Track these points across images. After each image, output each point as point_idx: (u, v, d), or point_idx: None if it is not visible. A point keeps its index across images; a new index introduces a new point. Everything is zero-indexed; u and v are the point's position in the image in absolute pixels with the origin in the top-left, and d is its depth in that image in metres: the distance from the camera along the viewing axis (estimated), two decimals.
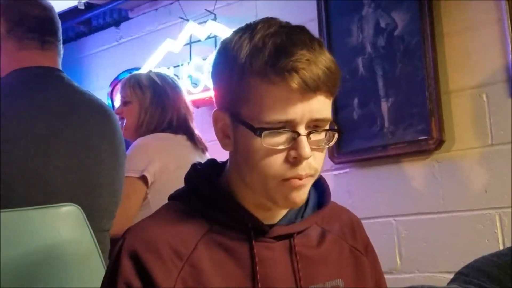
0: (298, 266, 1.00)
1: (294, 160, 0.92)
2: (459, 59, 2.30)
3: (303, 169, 0.93)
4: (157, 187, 2.03)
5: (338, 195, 2.46)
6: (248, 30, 0.96)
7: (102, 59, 3.57)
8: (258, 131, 0.91)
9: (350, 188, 2.50)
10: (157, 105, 2.18)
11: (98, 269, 1.24)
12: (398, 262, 2.37)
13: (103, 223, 1.59)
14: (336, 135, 0.98)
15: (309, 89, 0.90)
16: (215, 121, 0.99)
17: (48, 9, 1.67)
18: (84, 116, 1.62)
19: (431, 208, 2.31)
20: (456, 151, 2.28)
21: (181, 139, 2.16)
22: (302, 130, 0.92)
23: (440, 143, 2.28)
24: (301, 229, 1.03)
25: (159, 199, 1.95)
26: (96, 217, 1.51)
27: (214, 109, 1.00)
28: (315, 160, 0.95)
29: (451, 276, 1.73)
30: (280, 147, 0.92)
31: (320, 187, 1.09)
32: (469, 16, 2.30)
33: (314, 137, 0.95)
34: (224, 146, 0.99)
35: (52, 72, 1.64)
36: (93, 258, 1.24)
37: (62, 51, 1.71)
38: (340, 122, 2.48)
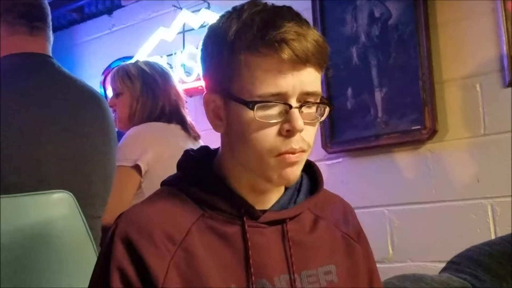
0: (291, 252, 1.00)
1: (287, 133, 0.92)
2: (453, 49, 2.31)
3: (296, 142, 0.93)
4: (151, 176, 2.02)
5: (331, 184, 2.44)
6: (235, 11, 0.97)
7: (95, 47, 3.54)
8: (250, 104, 0.91)
9: (343, 178, 2.50)
10: (148, 93, 2.17)
11: (90, 256, 1.24)
12: (391, 251, 2.38)
13: (95, 209, 1.59)
14: (328, 109, 0.98)
15: (299, 60, 0.91)
16: (206, 104, 0.99)
17: None
18: (75, 102, 1.62)
19: (424, 197, 2.32)
20: (449, 141, 2.29)
21: (174, 128, 2.15)
22: (294, 102, 0.92)
23: (433, 133, 2.28)
24: (293, 215, 1.03)
25: (153, 188, 1.93)
26: (88, 203, 1.51)
27: (205, 93, 1.00)
28: (307, 135, 0.95)
29: (443, 265, 1.74)
30: (272, 121, 0.92)
31: (312, 174, 1.09)
32: (463, 6, 2.29)
33: (306, 110, 0.95)
34: (216, 127, 0.99)
35: (43, 58, 1.65)
36: (86, 244, 1.24)
37: (52, 38, 1.71)
38: (334, 111, 2.47)
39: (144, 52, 3.10)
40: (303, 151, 0.95)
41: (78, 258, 1.23)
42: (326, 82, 2.49)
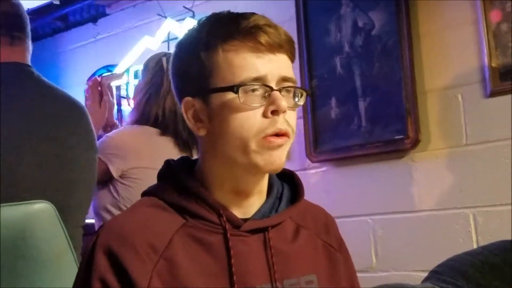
0: (273, 260, 1.00)
1: (272, 115, 0.96)
2: (435, 59, 2.33)
3: (281, 123, 0.96)
4: (130, 189, 2.00)
5: (315, 193, 2.47)
6: (198, 23, 1.03)
7: (79, 55, 3.54)
8: (235, 88, 0.94)
9: (327, 187, 2.51)
10: (146, 92, 2.10)
11: (71, 266, 1.23)
12: (374, 260, 2.39)
13: (76, 219, 1.58)
14: (305, 94, 1.03)
15: (275, 45, 0.96)
16: (186, 109, 1.01)
17: (16, 5, 1.68)
18: (55, 112, 1.62)
19: (407, 207, 2.33)
20: (432, 150, 2.30)
21: (164, 141, 2.05)
22: (274, 86, 0.97)
23: (416, 142, 2.30)
24: (275, 223, 1.03)
25: (131, 200, 1.93)
26: (69, 213, 1.51)
27: (183, 100, 1.01)
28: (290, 119, 0.98)
29: (426, 274, 1.75)
30: (256, 104, 0.95)
31: (293, 184, 1.10)
32: (445, 17, 2.32)
33: (285, 94, 0.99)
34: (198, 130, 1.01)
35: (22, 68, 1.64)
36: (66, 255, 1.23)
37: (31, 47, 1.71)
38: (317, 121, 2.49)
39: (128, 61, 3.09)
40: (287, 135, 0.98)
41: (59, 268, 1.22)
42: (310, 92, 2.50)
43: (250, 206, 1.03)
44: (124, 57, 3.09)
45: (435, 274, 1.72)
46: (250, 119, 0.95)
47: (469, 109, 2.24)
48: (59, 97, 1.67)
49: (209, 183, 1.01)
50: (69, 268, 1.23)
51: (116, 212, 1.96)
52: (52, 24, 3.65)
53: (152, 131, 2.06)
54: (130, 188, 1.98)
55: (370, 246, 2.39)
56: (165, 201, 1.00)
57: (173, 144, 2.05)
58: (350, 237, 2.36)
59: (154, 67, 2.12)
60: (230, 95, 0.95)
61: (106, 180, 2.00)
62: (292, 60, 1.01)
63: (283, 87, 0.98)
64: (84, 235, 1.69)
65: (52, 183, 1.53)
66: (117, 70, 3.13)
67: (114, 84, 3.13)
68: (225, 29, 0.97)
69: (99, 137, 1.97)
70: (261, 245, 1.01)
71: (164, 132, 2.06)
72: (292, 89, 1.00)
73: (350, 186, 2.47)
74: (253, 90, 0.95)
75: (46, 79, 1.68)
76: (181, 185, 1.01)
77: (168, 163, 1.07)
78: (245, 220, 1.01)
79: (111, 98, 2.31)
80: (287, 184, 1.08)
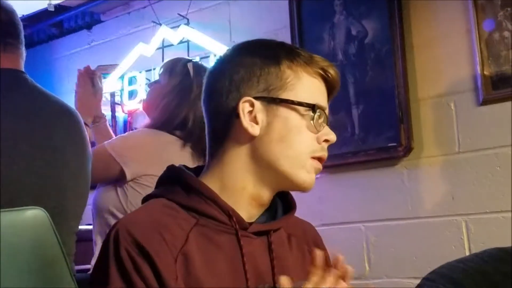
0: (274, 263, 1.05)
1: (323, 143, 1.07)
2: (428, 68, 2.34)
3: (326, 151, 1.08)
4: (140, 190, 1.96)
5: (308, 200, 2.46)
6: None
7: (74, 62, 3.53)
8: (314, 106, 1.04)
9: (321, 194, 2.51)
10: (176, 96, 2.03)
11: (63, 273, 1.23)
12: (367, 267, 2.39)
13: (69, 225, 1.58)
14: None
15: (334, 89, 1.11)
16: (242, 108, 1.04)
17: (10, 12, 1.68)
18: (48, 118, 1.62)
19: (400, 214, 2.34)
20: (424, 158, 2.32)
21: (185, 153, 1.98)
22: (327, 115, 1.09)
23: (408, 150, 2.31)
24: (276, 227, 1.08)
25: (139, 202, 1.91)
26: (62, 219, 1.50)
27: (244, 99, 1.04)
28: None
29: (418, 281, 1.75)
30: (316, 128, 1.05)
31: (284, 197, 1.13)
32: (438, 26, 2.34)
33: None
34: (251, 128, 1.04)
35: (16, 74, 1.64)
36: (59, 261, 1.23)
37: (25, 54, 1.71)
38: None
39: (123, 68, 3.10)
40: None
41: (51, 275, 1.22)
42: None
43: (253, 212, 1.07)
44: (119, 64, 3.10)
45: (427, 281, 1.72)
46: (307, 139, 1.05)
47: (461, 117, 2.25)
48: (52, 103, 1.67)
49: (226, 184, 1.05)
50: (62, 275, 1.23)
51: (120, 215, 1.90)
52: (47, 31, 3.66)
53: (169, 139, 2.00)
54: (140, 195, 1.92)
55: (363, 253, 2.40)
56: (175, 202, 1.02)
57: (190, 154, 1.99)
58: (343, 244, 2.39)
59: (182, 71, 2.06)
60: (301, 112, 1.04)
61: (114, 181, 1.97)
62: None
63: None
64: (77, 241, 1.69)
65: (45, 189, 1.53)
66: (111, 77, 3.13)
67: (109, 86, 3.15)
68: (304, 59, 1.07)
69: (92, 144, 1.95)
70: (264, 247, 1.05)
71: (186, 138, 2.00)
72: None
73: (343, 193, 2.47)
74: (319, 117, 1.06)
75: (40, 86, 1.68)
76: (189, 187, 1.03)
77: (170, 168, 1.09)
78: (249, 223, 1.05)
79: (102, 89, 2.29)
80: (277, 197, 1.13)
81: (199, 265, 0.96)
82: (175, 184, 1.05)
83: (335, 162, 2.46)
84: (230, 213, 1.02)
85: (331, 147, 2.48)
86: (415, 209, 2.31)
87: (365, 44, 2.43)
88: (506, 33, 2.16)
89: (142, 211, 1.03)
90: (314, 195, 2.51)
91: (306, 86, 1.06)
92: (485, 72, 2.19)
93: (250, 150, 1.05)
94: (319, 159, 1.07)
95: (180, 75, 2.06)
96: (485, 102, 2.19)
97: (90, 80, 2.25)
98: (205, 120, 1.11)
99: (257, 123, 1.04)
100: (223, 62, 1.11)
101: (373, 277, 2.37)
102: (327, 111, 1.08)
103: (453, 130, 2.26)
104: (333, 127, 2.49)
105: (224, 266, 0.99)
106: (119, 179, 1.96)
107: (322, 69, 1.07)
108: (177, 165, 1.10)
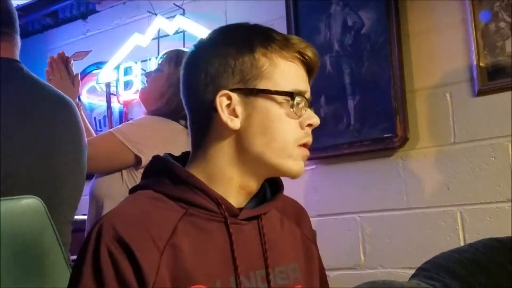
0: (266, 247, 1.04)
1: (307, 128, 1.05)
2: (424, 59, 2.34)
3: (311, 136, 1.06)
4: None
5: (304, 191, 2.48)
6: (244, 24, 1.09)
7: (69, 52, 3.50)
8: (293, 94, 1.02)
9: (316, 185, 2.52)
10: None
11: (59, 262, 1.23)
12: (362, 258, 2.40)
13: (65, 215, 1.58)
14: None
15: (313, 71, 1.08)
16: (220, 102, 1.02)
17: (4, 1, 1.67)
18: (44, 107, 1.61)
19: (395, 205, 2.35)
20: (420, 149, 2.32)
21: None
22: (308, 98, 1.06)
23: (404, 141, 2.32)
24: (266, 211, 1.08)
25: None
26: (58, 209, 1.50)
27: (221, 92, 1.02)
28: None
29: (413, 271, 1.76)
30: (298, 115, 1.03)
31: (271, 180, 1.12)
32: (434, 17, 2.33)
33: None
34: (231, 122, 1.02)
35: (11, 63, 1.64)
36: (54, 250, 1.22)
37: (20, 43, 1.70)
38: None
39: (118, 58, 3.09)
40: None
41: (47, 264, 1.22)
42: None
43: (242, 199, 1.06)
44: (114, 54, 3.09)
45: (422, 271, 1.73)
46: (291, 127, 1.03)
47: (457, 108, 2.26)
48: (47, 92, 1.67)
49: (212, 175, 1.03)
50: (58, 265, 1.23)
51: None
52: (41, 21, 3.64)
53: (178, 128, 2.01)
54: None
55: (358, 243, 2.40)
56: (163, 193, 1.01)
57: None
58: (338, 234, 2.39)
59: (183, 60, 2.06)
60: (280, 100, 1.02)
61: (126, 168, 1.96)
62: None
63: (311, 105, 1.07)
64: (73, 231, 1.69)
65: (41, 178, 1.52)
66: (107, 67, 3.12)
67: (102, 79, 3.13)
68: (279, 44, 1.03)
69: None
70: (255, 233, 1.05)
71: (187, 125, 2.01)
72: None
73: (339, 184, 2.48)
74: (299, 102, 1.03)
75: (35, 75, 1.67)
76: (176, 177, 1.02)
77: (157, 159, 1.07)
78: (239, 209, 1.04)
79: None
80: (265, 181, 1.11)
81: (188, 255, 0.96)
82: (162, 174, 1.03)
83: (331, 153, 2.46)
84: (219, 201, 1.01)
85: (327, 138, 2.50)
86: (410, 200, 2.32)
87: (361, 35, 2.43)
88: (502, 24, 2.16)
89: (129, 204, 1.01)
90: (310, 186, 2.51)
91: (283, 72, 1.03)
92: (481, 63, 2.19)
93: (234, 144, 1.03)
94: (305, 145, 1.05)
95: (181, 64, 2.04)
96: (480, 93, 2.20)
97: (64, 67, 2.22)
98: (187, 113, 1.09)
99: (236, 116, 1.02)
100: (198, 52, 1.08)
101: (368, 268, 2.37)
102: (308, 94, 1.06)
103: (448, 121, 2.27)
104: (328, 118, 2.51)
105: (214, 255, 0.98)
106: (130, 167, 1.96)
107: (299, 52, 1.05)
108: (162, 155, 1.09)
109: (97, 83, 3.19)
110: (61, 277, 1.20)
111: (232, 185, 1.04)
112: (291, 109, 1.02)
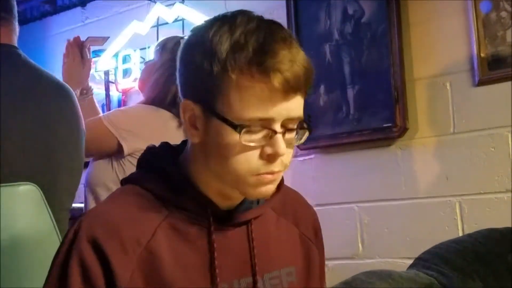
0: (254, 253, 1.00)
1: (269, 157, 0.92)
2: (424, 48, 2.33)
3: (276, 165, 0.93)
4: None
5: (303, 180, 2.48)
6: (226, 22, 0.93)
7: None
8: (238, 128, 0.89)
9: (315, 174, 2.51)
10: (164, 72, 2.02)
11: (56, 249, 1.23)
12: (360, 247, 2.40)
13: (62, 202, 1.58)
14: (307, 133, 0.99)
15: (291, 89, 0.91)
16: (184, 110, 0.96)
17: None
18: (41, 94, 1.61)
19: (393, 194, 2.34)
20: (419, 138, 2.31)
21: (180, 134, 1.96)
22: (278, 128, 0.92)
23: (403, 130, 2.31)
24: (258, 215, 1.03)
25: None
26: (55, 196, 1.50)
27: (183, 99, 0.97)
28: (286, 156, 0.94)
29: (411, 261, 1.76)
30: (256, 144, 0.91)
31: None
32: (434, 6, 2.32)
33: (288, 135, 0.94)
34: (192, 137, 0.97)
35: (8, 49, 1.63)
36: (51, 237, 1.22)
37: (18, 29, 1.69)
38: (306, 108, 2.48)
39: (117, 46, 3.07)
40: (281, 172, 0.96)
41: (43, 251, 1.22)
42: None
43: (235, 200, 1.02)
44: (113, 42, 3.07)
45: (421, 261, 1.73)
46: (246, 157, 0.91)
47: (457, 97, 2.25)
48: (45, 79, 1.66)
49: (195, 179, 0.99)
50: (54, 250, 1.23)
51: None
52: (40, 8, 3.61)
53: (167, 115, 2.00)
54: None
55: (356, 233, 2.40)
56: (148, 190, 0.98)
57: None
58: (336, 224, 2.39)
59: (173, 48, 2.04)
60: (232, 128, 0.90)
61: (110, 155, 1.96)
62: (307, 94, 0.97)
63: (287, 130, 0.94)
64: (70, 219, 1.68)
65: (38, 165, 1.52)
66: (105, 55, 3.10)
67: (103, 66, 3.12)
68: (245, 60, 0.89)
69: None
70: (244, 237, 1.01)
71: (179, 114, 2.00)
72: (296, 129, 0.96)
73: (338, 173, 2.47)
74: (257, 131, 0.91)
75: (32, 61, 1.67)
76: (165, 175, 0.99)
77: (150, 150, 1.05)
78: (229, 211, 1.01)
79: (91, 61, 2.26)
80: None
81: (167, 261, 0.93)
82: (152, 169, 1.01)
83: (330, 142, 2.46)
84: (205, 205, 0.97)
85: (325, 128, 2.49)
86: (409, 190, 2.31)
87: (362, 24, 2.41)
88: (503, 13, 2.15)
89: (112, 202, 0.99)
90: (308, 175, 2.51)
91: (242, 95, 0.89)
92: (481, 53, 2.18)
93: (202, 157, 0.97)
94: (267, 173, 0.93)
95: (171, 51, 2.04)
96: (481, 83, 2.19)
97: (79, 51, 2.22)
98: None
99: (196, 128, 0.95)
100: (182, 49, 0.99)
101: (366, 257, 2.37)
102: (277, 119, 0.91)
103: (448, 110, 2.26)
104: (328, 108, 2.50)
105: (195, 261, 0.95)
106: (115, 154, 1.96)
107: (275, 71, 0.89)
108: (157, 145, 1.06)
109: (95, 71, 3.17)
110: None
111: (213, 192, 0.99)
112: (240, 140, 0.90)
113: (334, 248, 2.37)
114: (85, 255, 0.90)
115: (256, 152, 0.92)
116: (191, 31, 0.99)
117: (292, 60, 0.90)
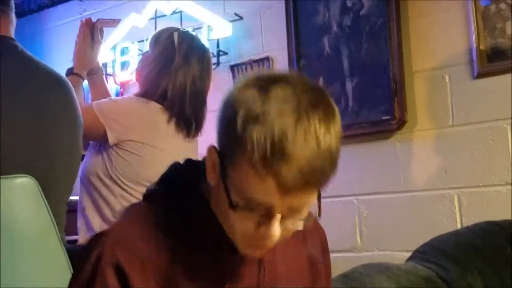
0: (265, 279, 1.01)
1: (265, 233, 0.89)
2: (423, 40, 2.32)
3: (272, 242, 0.91)
4: (124, 156, 1.97)
5: None
6: (262, 92, 0.88)
7: (65, 33, 3.48)
8: (233, 205, 0.88)
9: None
10: (157, 65, 2.03)
11: (52, 242, 1.23)
12: (359, 240, 2.40)
13: (59, 194, 1.57)
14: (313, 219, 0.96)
15: (297, 191, 0.86)
16: (209, 153, 0.94)
17: None
18: (39, 86, 1.60)
19: (392, 187, 2.34)
20: (418, 131, 2.31)
21: (170, 121, 2.00)
22: (276, 214, 0.88)
23: (402, 123, 2.30)
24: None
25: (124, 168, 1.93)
26: (53, 188, 1.50)
27: (212, 144, 0.94)
28: (286, 233, 0.92)
29: (410, 254, 1.76)
30: (252, 221, 0.90)
31: None
32: None
33: (289, 218, 0.91)
34: (210, 179, 0.96)
35: (5, 41, 1.62)
36: (48, 230, 1.22)
37: (15, 21, 1.69)
38: None
39: (115, 38, 3.06)
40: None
41: (40, 244, 1.22)
42: (298, 72, 2.49)
43: None
44: (111, 34, 3.06)
45: (419, 254, 1.74)
46: (244, 225, 0.90)
47: (456, 90, 2.24)
48: (43, 71, 1.65)
49: (214, 209, 0.98)
50: (52, 245, 1.23)
51: (107, 181, 1.94)
52: (37, 0, 3.60)
53: (156, 108, 2.00)
54: (124, 161, 1.94)
55: (355, 226, 2.40)
56: (169, 213, 0.98)
57: (175, 124, 2.01)
58: (335, 217, 2.39)
59: (165, 41, 2.05)
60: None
61: (99, 143, 1.98)
62: (322, 186, 0.92)
63: (289, 217, 0.90)
64: (68, 212, 1.68)
65: (35, 157, 1.52)
66: (103, 48, 3.09)
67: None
68: (258, 156, 0.84)
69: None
70: (255, 265, 1.01)
71: (168, 108, 2.00)
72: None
73: None
74: (254, 209, 0.88)
75: (30, 53, 1.66)
76: (187, 201, 0.99)
77: (174, 167, 1.04)
78: None
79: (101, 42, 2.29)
80: None
81: (184, 285, 0.94)
82: (173, 192, 1.00)
83: None
84: (222, 234, 0.96)
85: None
86: (407, 183, 2.31)
87: (360, 16, 2.40)
88: (503, 5, 2.14)
89: (133, 225, 0.98)
90: None
91: (250, 176, 0.85)
92: (480, 45, 2.17)
93: (215, 194, 0.96)
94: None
95: (163, 44, 2.06)
96: (480, 75, 2.18)
97: (90, 32, 2.24)
98: None
99: (215, 173, 0.93)
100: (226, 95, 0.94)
101: (364, 250, 2.37)
102: (277, 208, 0.87)
103: (447, 103, 2.25)
104: None
105: (208, 285, 0.97)
106: (103, 143, 1.97)
107: (281, 175, 0.84)
108: (181, 162, 1.04)
109: None
110: (54, 256, 1.20)
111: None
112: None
113: (333, 241, 2.34)
114: (108, 280, 0.91)
115: (253, 224, 0.90)
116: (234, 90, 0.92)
117: (310, 159, 0.85)
